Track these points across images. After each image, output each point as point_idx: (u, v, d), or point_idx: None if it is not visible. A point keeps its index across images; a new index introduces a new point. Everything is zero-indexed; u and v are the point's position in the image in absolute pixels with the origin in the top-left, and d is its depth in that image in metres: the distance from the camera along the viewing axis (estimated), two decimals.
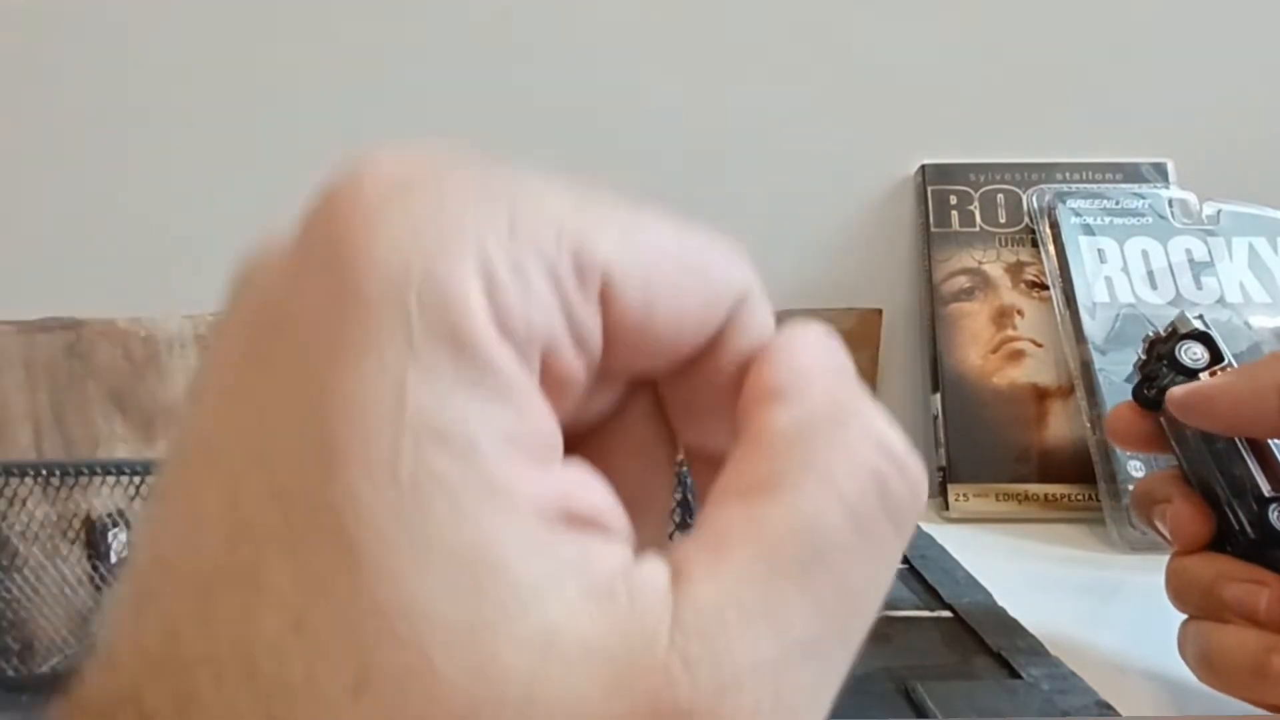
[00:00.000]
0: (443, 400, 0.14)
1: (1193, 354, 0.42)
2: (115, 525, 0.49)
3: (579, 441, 0.19)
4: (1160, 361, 0.42)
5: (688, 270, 0.18)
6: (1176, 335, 0.42)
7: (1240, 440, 0.39)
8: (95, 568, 0.49)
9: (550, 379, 0.16)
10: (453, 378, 0.15)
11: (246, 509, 0.14)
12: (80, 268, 0.85)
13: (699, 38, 0.83)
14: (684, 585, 0.15)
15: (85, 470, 0.42)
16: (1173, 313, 0.69)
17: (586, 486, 0.16)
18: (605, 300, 0.16)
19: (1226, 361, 0.42)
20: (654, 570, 0.15)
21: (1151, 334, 0.44)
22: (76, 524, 0.47)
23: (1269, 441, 0.39)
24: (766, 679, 0.14)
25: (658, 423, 0.20)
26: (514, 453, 0.15)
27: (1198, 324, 0.43)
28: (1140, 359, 0.44)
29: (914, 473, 0.17)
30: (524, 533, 0.14)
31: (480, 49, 0.84)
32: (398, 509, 0.14)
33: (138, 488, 0.42)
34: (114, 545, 0.49)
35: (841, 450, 0.16)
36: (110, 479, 0.42)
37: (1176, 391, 0.41)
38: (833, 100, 0.83)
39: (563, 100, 0.84)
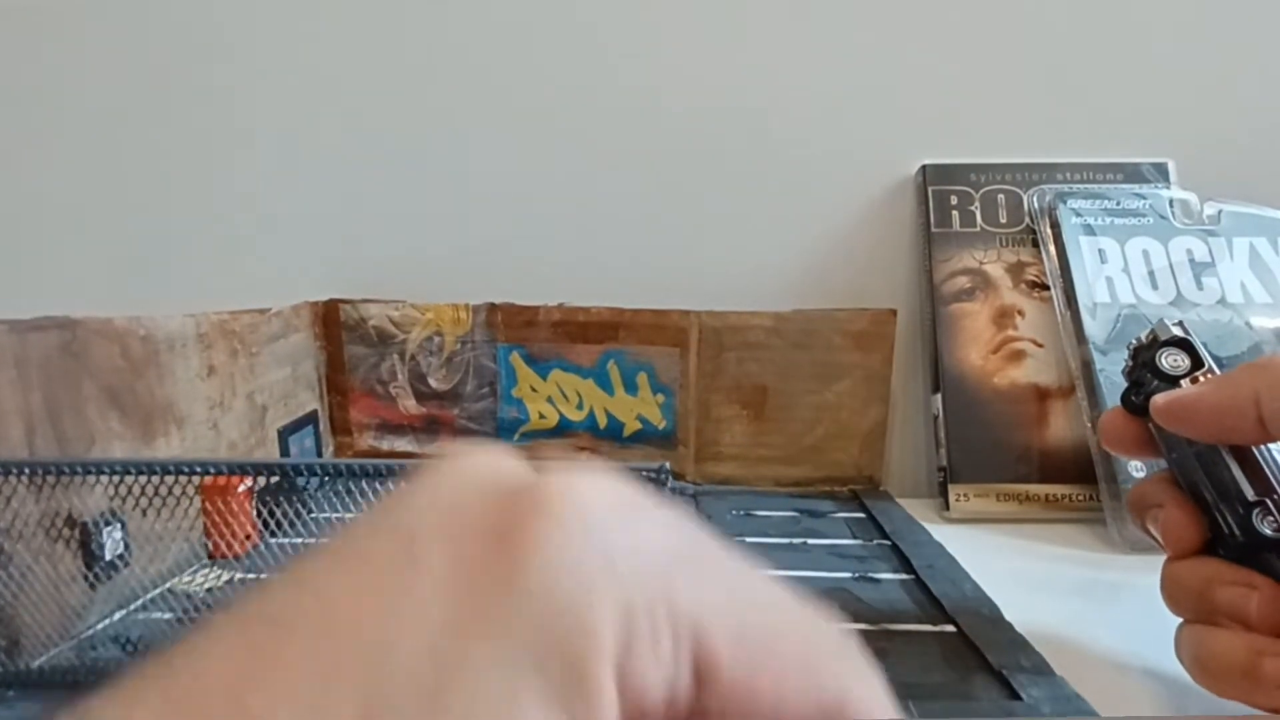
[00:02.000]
0: (542, 715, 0.16)
1: (1173, 361, 0.42)
2: (108, 524, 0.50)
3: None
4: (1144, 368, 0.43)
5: (792, 663, 0.19)
6: (1157, 342, 0.43)
7: (1223, 445, 0.40)
8: (89, 565, 0.49)
9: (632, 715, 0.18)
10: (559, 700, 0.16)
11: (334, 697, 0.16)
12: (80, 268, 0.86)
13: (701, 40, 0.83)
14: None
15: (79, 469, 0.42)
16: (1173, 313, 0.70)
17: None
18: (708, 677, 0.18)
19: (1207, 367, 0.42)
20: None
21: (1134, 341, 0.44)
22: (69, 521, 0.47)
23: (1252, 446, 0.39)
24: None
25: None
26: None
27: (1176, 330, 0.43)
28: (1127, 365, 0.44)
29: None
30: None
31: (500, 39, 0.84)
32: None
33: (129, 487, 0.42)
34: (107, 543, 0.50)
35: None
36: (103, 478, 0.42)
37: (1158, 400, 0.41)
38: (834, 101, 0.84)
39: (566, 101, 0.85)
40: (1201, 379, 0.42)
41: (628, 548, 0.18)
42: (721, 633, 0.18)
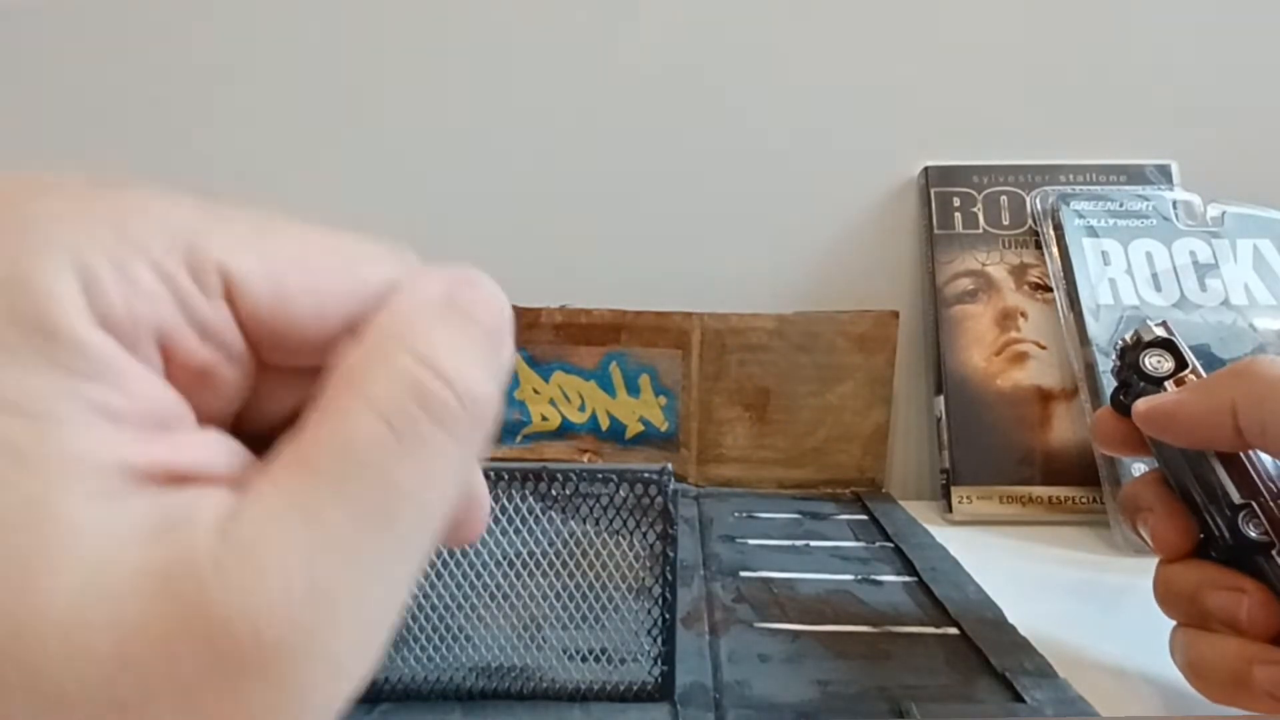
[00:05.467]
0: (22, 377, 0.16)
1: (1156, 362, 0.42)
2: None
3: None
4: (1130, 370, 0.43)
5: (321, 266, 0.20)
6: (1141, 344, 0.43)
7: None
8: None
9: (180, 366, 0.18)
10: (36, 357, 0.16)
11: None
12: None
13: (703, 42, 0.83)
14: (239, 506, 0.17)
15: None
16: (1176, 315, 0.70)
17: (196, 448, 0.18)
18: (232, 297, 0.18)
19: (1191, 367, 0.42)
20: (222, 501, 0.17)
21: (1121, 342, 0.44)
22: None
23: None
24: (296, 571, 0.16)
25: None
26: (104, 423, 0.17)
27: (1159, 331, 0.43)
28: (1115, 365, 0.45)
29: (466, 386, 0.19)
30: (94, 483, 0.16)
31: (502, 39, 0.84)
32: None
33: None
34: None
35: (381, 368, 0.18)
36: None
37: (1139, 406, 0.41)
38: (836, 103, 0.84)
39: (568, 103, 0.85)
40: (1187, 379, 0.42)
41: (44, 208, 0.17)
42: (221, 243, 0.18)
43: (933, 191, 0.82)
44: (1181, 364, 0.42)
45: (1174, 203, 0.77)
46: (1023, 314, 0.78)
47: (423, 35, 0.84)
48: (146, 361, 0.17)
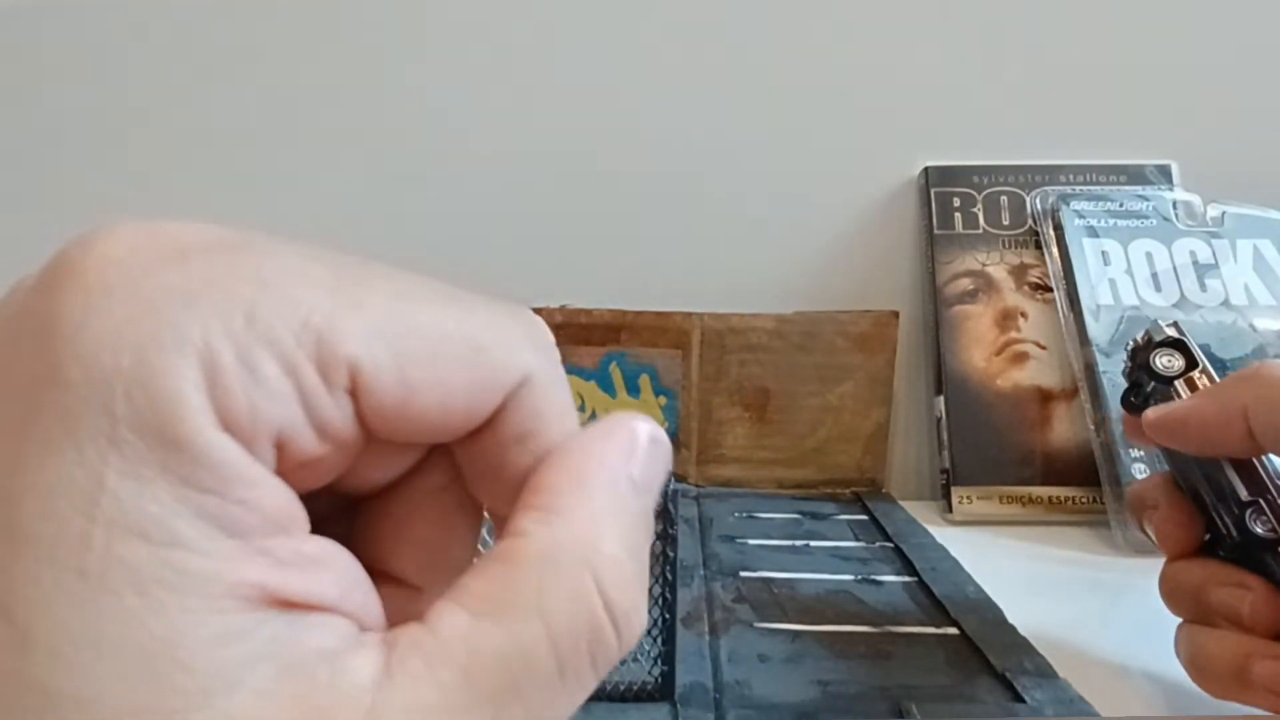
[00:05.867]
0: (144, 493, 0.15)
1: (1166, 362, 0.43)
2: None
3: (387, 494, 0.20)
4: (1140, 370, 0.43)
5: (452, 358, 0.18)
6: (1151, 344, 0.43)
7: None
8: None
9: (292, 462, 0.17)
10: (158, 471, 0.15)
11: None
12: None
13: (705, 42, 0.83)
14: (389, 682, 0.16)
15: None
16: (1175, 315, 0.70)
17: (310, 568, 0.17)
18: (356, 390, 0.17)
19: (1202, 367, 0.42)
20: (367, 659, 0.16)
21: (1132, 342, 0.45)
22: None
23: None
24: None
25: (458, 485, 0.21)
26: (224, 541, 0.15)
27: (1170, 331, 0.44)
28: (1126, 366, 0.45)
29: (629, 630, 0.18)
30: (218, 621, 0.15)
31: (502, 40, 0.84)
32: (79, 599, 0.14)
33: None
34: None
35: (570, 596, 0.17)
36: None
37: (1149, 415, 0.42)
38: (836, 103, 0.84)
39: (567, 102, 0.85)
40: (1196, 378, 0.42)
41: (173, 284, 0.16)
42: (353, 330, 0.17)
43: (933, 191, 0.82)
44: (1192, 363, 0.43)
45: (1174, 203, 0.77)
46: (1023, 314, 0.78)
47: (423, 34, 0.84)
48: (263, 461, 0.16)
